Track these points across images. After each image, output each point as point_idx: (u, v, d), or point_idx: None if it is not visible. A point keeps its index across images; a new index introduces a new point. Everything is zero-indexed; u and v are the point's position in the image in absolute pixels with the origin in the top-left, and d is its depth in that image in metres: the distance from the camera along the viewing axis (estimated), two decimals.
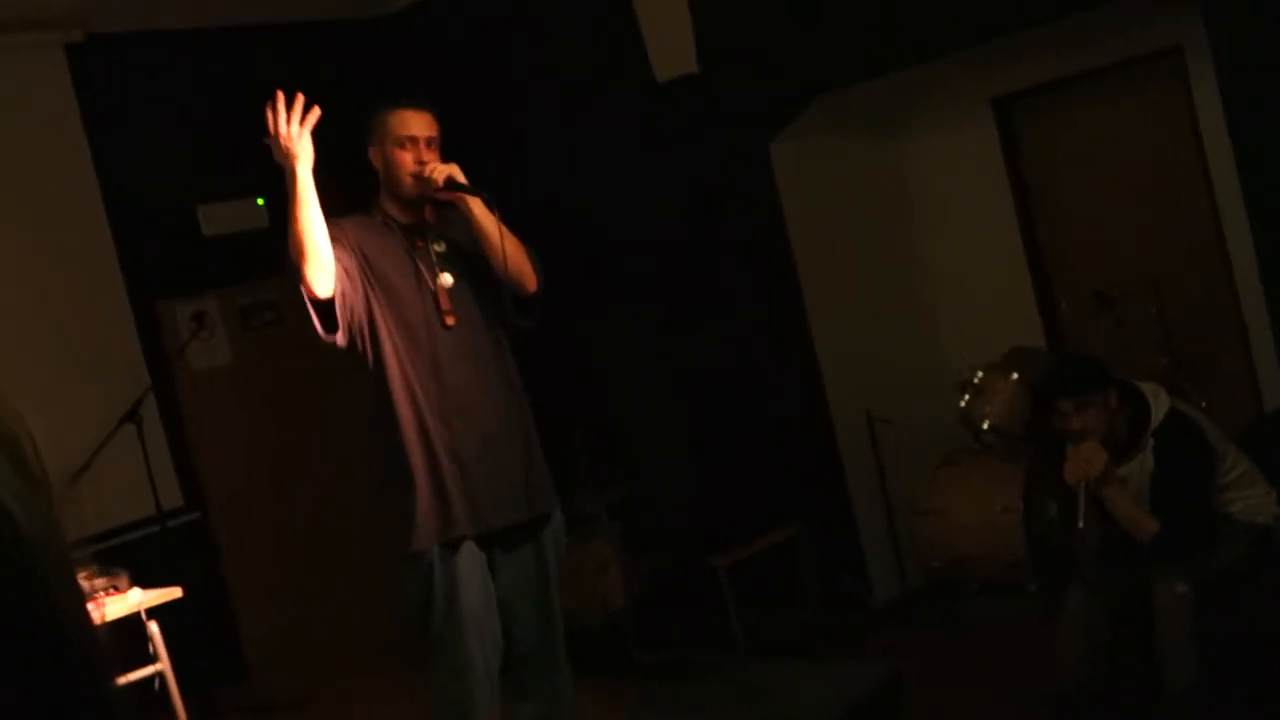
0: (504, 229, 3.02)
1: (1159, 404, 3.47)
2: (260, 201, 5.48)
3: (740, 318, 5.12)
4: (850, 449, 5.02)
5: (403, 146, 3.08)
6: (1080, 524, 3.41)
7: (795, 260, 4.95)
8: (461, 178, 3.03)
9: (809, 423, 5.00)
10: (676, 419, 5.41)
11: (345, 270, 2.92)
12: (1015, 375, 4.56)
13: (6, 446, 0.75)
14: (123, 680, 1.71)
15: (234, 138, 4.58)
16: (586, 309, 5.42)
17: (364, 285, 2.96)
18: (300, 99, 2.79)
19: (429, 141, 3.09)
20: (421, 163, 3.06)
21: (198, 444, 5.40)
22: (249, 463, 5.47)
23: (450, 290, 3.06)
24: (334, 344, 2.97)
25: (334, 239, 2.87)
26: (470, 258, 3.11)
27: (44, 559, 0.74)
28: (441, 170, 3.04)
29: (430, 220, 3.12)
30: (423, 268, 3.06)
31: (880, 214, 5.29)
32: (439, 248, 3.12)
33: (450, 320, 3.05)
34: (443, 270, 3.08)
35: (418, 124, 3.09)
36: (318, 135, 2.86)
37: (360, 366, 3.06)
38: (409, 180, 3.09)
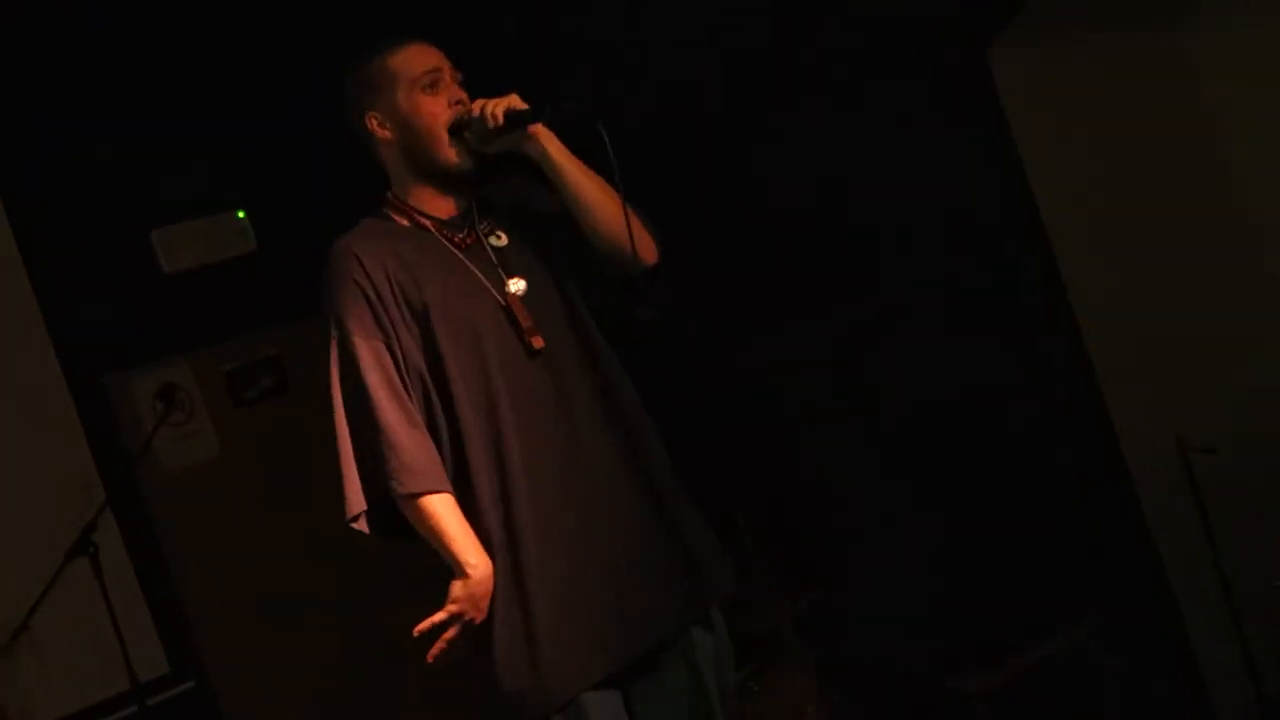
0: (593, 173, 3.07)
1: None
2: (241, 214, 5.47)
3: (969, 322, 4.94)
4: (1157, 497, 4.72)
5: (427, 89, 3.09)
6: None
7: (1044, 224, 4.72)
8: (523, 104, 3.05)
9: (1088, 462, 4.81)
10: (886, 480, 5.24)
11: (390, 335, 3.03)
12: None
13: None
14: None
15: (194, 127, 4.83)
16: (737, 326, 5.40)
17: (412, 325, 3.04)
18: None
19: (455, 79, 3.12)
20: (459, 102, 3.07)
21: (182, 580, 5.31)
22: (259, 601, 5.38)
23: (526, 298, 3.08)
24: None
25: (359, 286, 3.01)
26: (543, 242, 3.17)
27: None
28: (499, 103, 3.03)
29: (474, 202, 3.18)
30: (481, 275, 3.08)
31: (1165, 147, 4.94)
32: (498, 240, 3.15)
33: (537, 341, 3.04)
34: (510, 273, 3.09)
35: (431, 55, 3.12)
36: None
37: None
38: (454, 142, 3.08)
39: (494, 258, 3.11)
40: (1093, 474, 4.81)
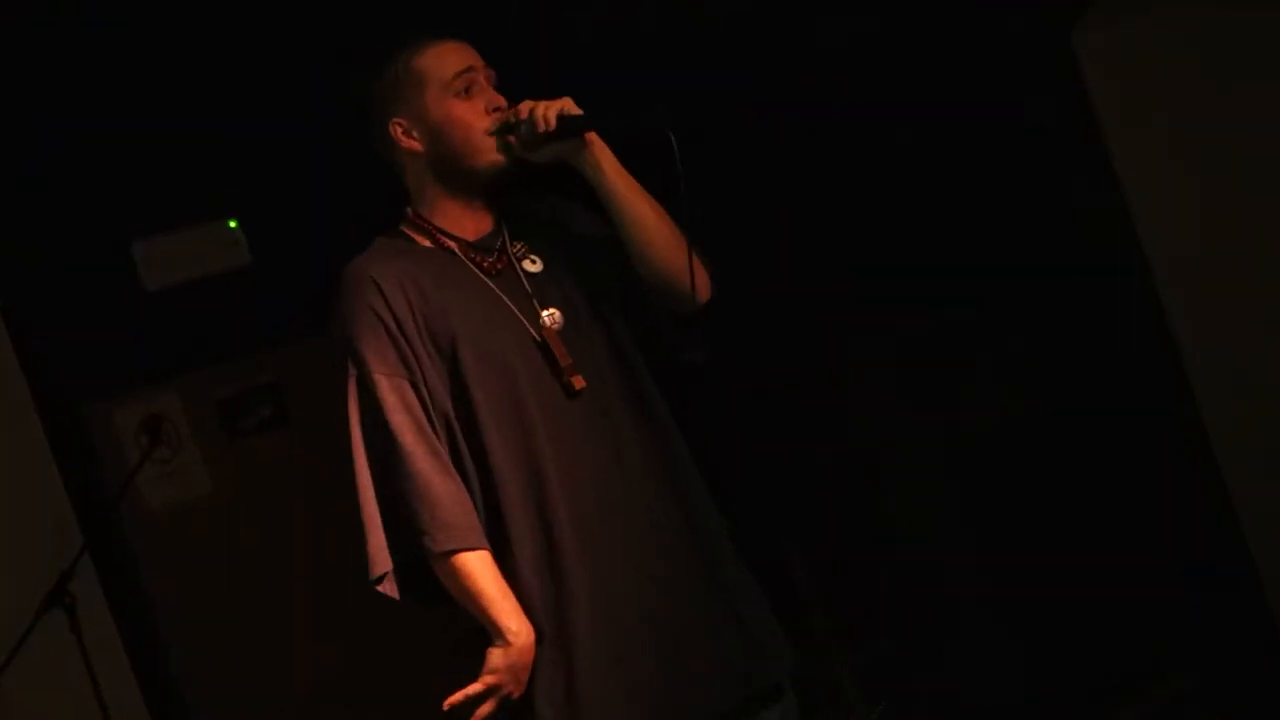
0: (647, 194, 3.06)
1: None
2: (233, 224, 5.47)
3: (1055, 336, 5.04)
4: (1267, 535, 4.73)
5: (460, 93, 3.04)
6: None
7: (1133, 219, 4.79)
8: (577, 109, 3.00)
9: (1190, 496, 4.85)
10: (962, 514, 5.27)
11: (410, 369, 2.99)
12: None
13: None
14: None
15: (180, 125, 4.85)
16: (796, 345, 5.44)
17: (437, 361, 2.99)
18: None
19: (490, 80, 3.09)
20: (500, 109, 3.03)
21: (169, 633, 5.30)
22: (254, 658, 5.34)
23: (564, 332, 3.04)
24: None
25: (378, 316, 2.96)
26: (583, 268, 3.13)
27: None
28: (551, 106, 2.97)
29: (505, 222, 3.15)
30: (513, 305, 3.04)
31: (1264, 130, 4.83)
32: (532, 264, 3.09)
33: (578, 381, 3.00)
34: (546, 303, 3.05)
35: (464, 54, 3.08)
36: None
37: None
38: (491, 144, 3.03)
39: (527, 286, 3.07)
40: (1195, 509, 4.77)
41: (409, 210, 3.10)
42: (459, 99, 3.02)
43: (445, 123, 3.03)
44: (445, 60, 3.05)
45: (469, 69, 3.04)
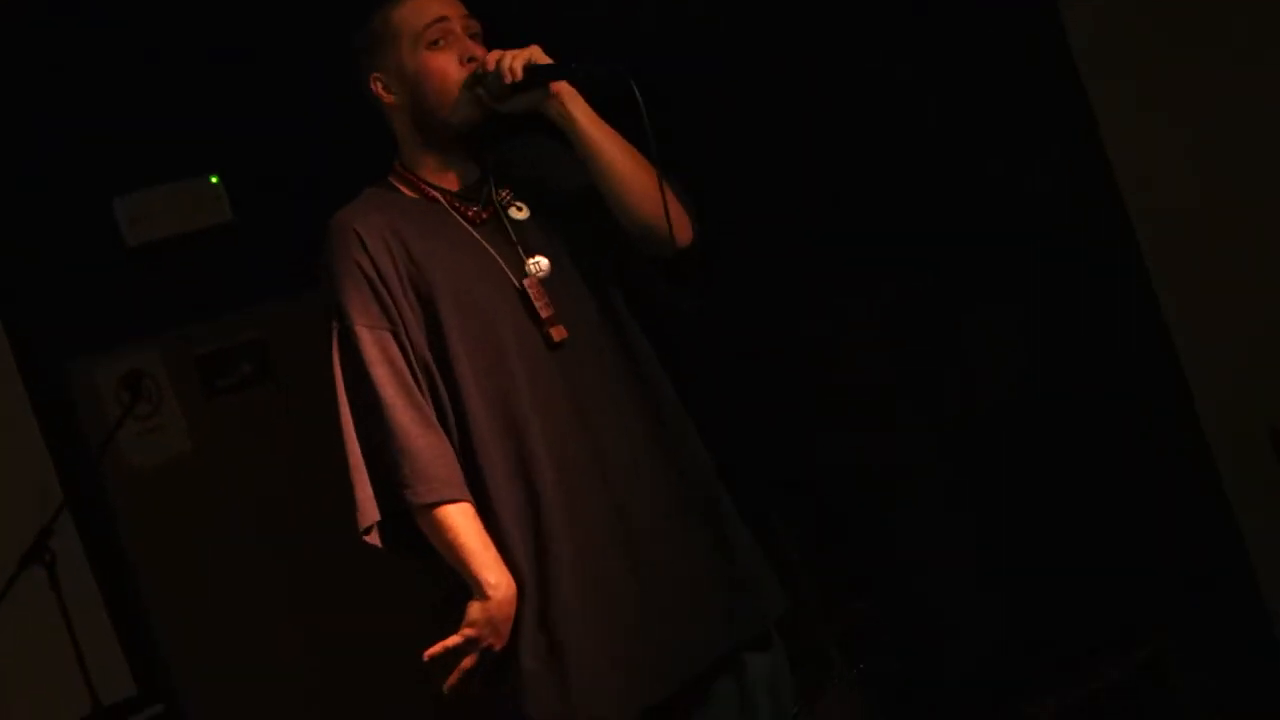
0: (622, 140, 3.04)
1: None
2: (215, 179, 5.44)
3: (1038, 303, 4.93)
4: (1247, 495, 4.66)
5: (437, 44, 3.04)
6: None
7: (1118, 181, 4.69)
8: (545, 58, 2.99)
9: (1171, 458, 4.77)
10: (944, 477, 5.23)
11: (394, 314, 3.00)
12: None
13: None
14: None
15: (161, 80, 4.86)
16: (780, 305, 5.35)
17: (419, 312, 3.01)
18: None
19: (468, 29, 3.08)
20: (473, 59, 3.02)
21: (149, 591, 5.28)
22: (236, 615, 5.36)
23: (549, 281, 3.05)
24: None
25: (360, 268, 2.98)
26: (570, 214, 3.14)
27: None
28: (518, 56, 2.97)
29: (490, 169, 3.16)
30: (498, 255, 3.04)
31: (1259, 105, 4.76)
32: (518, 212, 3.11)
33: (557, 332, 3.01)
34: (530, 250, 3.06)
35: (441, 3, 3.08)
36: None
37: None
38: (464, 96, 3.03)
39: (513, 234, 3.08)
40: (1176, 471, 4.77)
41: (396, 162, 3.10)
42: (432, 50, 3.02)
43: (419, 75, 3.03)
44: (419, 11, 3.04)
45: (441, 19, 3.03)
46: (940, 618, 5.26)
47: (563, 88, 2.98)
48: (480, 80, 2.97)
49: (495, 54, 2.98)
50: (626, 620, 2.97)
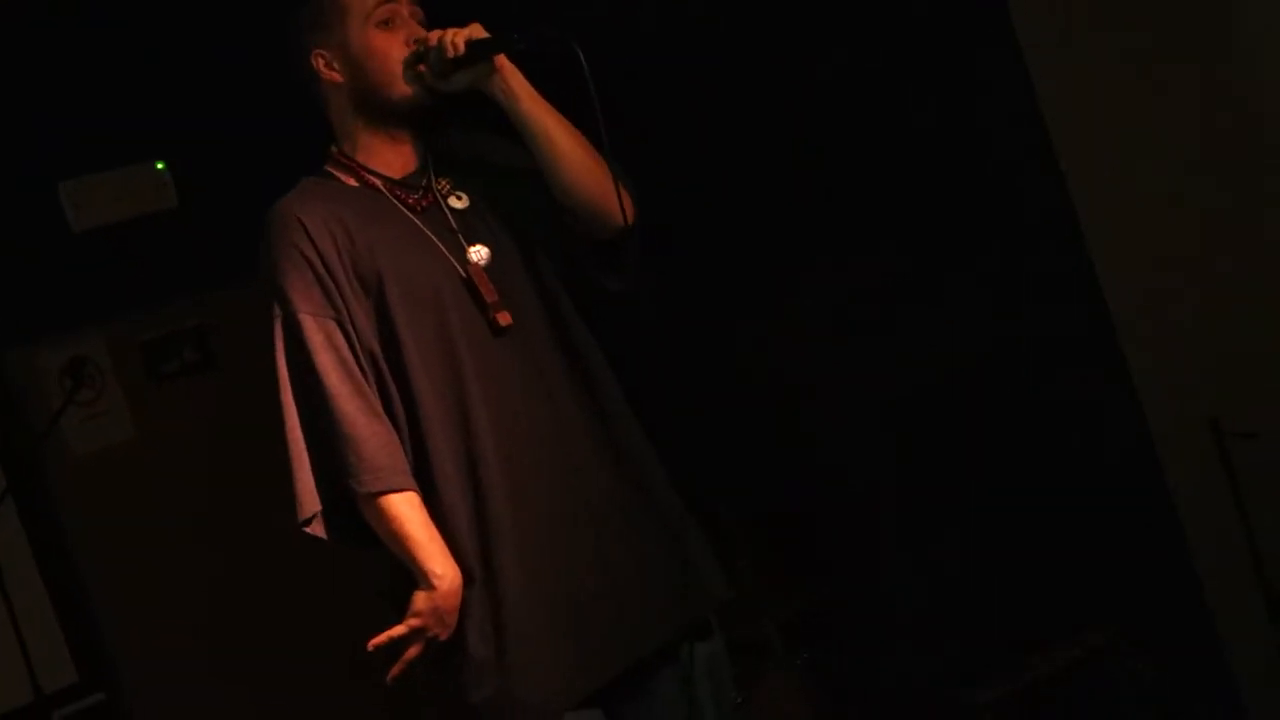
0: (562, 117, 3.05)
1: None
2: (161, 166, 5.39)
3: (980, 290, 4.90)
4: (1189, 486, 4.66)
5: (385, 24, 3.04)
6: None
7: (1064, 174, 4.67)
8: (486, 34, 2.99)
9: (1114, 448, 4.77)
10: (886, 468, 5.21)
11: (337, 301, 2.98)
12: None
13: None
14: None
15: (107, 64, 4.84)
16: (721, 293, 5.34)
17: (363, 300, 3.00)
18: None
19: (414, 15, 3.09)
20: (419, 41, 3.02)
21: (91, 577, 5.24)
22: (179, 602, 5.32)
23: (490, 268, 3.06)
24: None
25: (304, 256, 2.96)
26: (510, 202, 3.15)
27: None
28: (459, 32, 2.97)
29: (430, 157, 3.15)
30: (439, 242, 3.04)
31: (1210, 82, 4.80)
32: (458, 201, 3.12)
33: (503, 318, 3.02)
34: (472, 239, 3.07)
35: None
36: None
37: None
38: (408, 76, 3.03)
39: (453, 222, 3.07)
40: (1118, 461, 4.77)
41: (333, 149, 3.09)
42: (380, 29, 3.02)
43: (364, 54, 3.02)
44: None
45: (391, 0, 3.03)
46: (884, 606, 5.24)
47: (504, 63, 2.98)
48: (422, 57, 2.97)
49: (437, 32, 2.97)
50: (570, 607, 2.98)
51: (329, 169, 3.09)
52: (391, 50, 3.01)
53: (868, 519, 5.31)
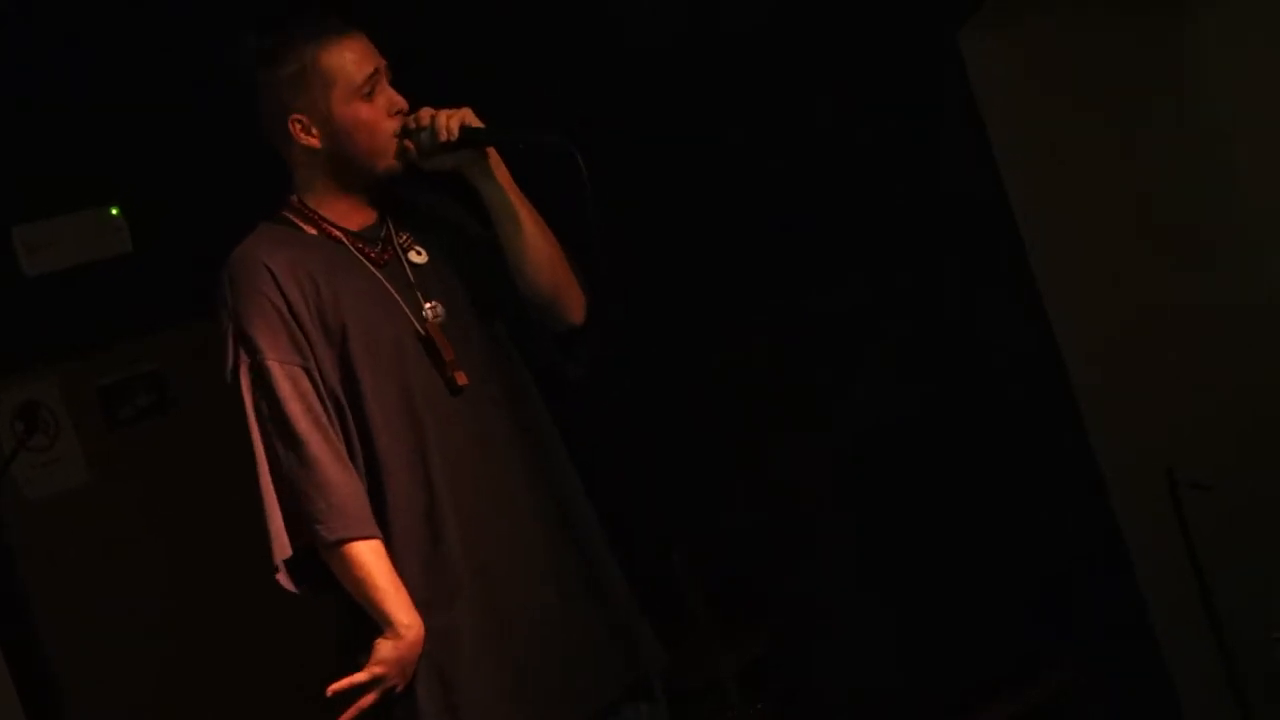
0: (534, 211, 3.10)
1: None
2: (115, 211, 5.37)
3: (936, 334, 4.96)
4: (1143, 535, 4.74)
5: (366, 96, 3.01)
6: None
7: (1019, 225, 4.73)
8: (478, 120, 3.01)
9: (1069, 496, 4.82)
10: (843, 511, 5.21)
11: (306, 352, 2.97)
12: None
13: None
14: None
15: (61, 108, 4.81)
16: (674, 332, 5.33)
17: (328, 350, 2.98)
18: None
19: (388, 75, 3.08)
20: (402, 111, 3.03)
21: (46, 628, 5.23)
22: (136, 653, 5.27)
23: (445, 326, 3.05)
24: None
25: (271, 303, 2.94)
26: (467, 262, 3.15)
27: None
28: (453, 115, 2.98)
29: (389, 213, 3.14)
30: (399, 298, 3.04)
31: (1157, 141, 4.95)
32: (417, 256, 3.12)
33: (460, 377, 3.01)
34: (429, 296, 3.07)
35: (370, 56, 3.05)
36: None
37: None
38: (395, 151, 3.03)
39: (411, 277, 3.06)
40: (1074, 509, 4.80)
41: (294, 198, 3.05)
42: (363, 101, 2.98)
43: (350, 125, 2.99)
44: (355, 62, 3.00)
45: (375, 72, 3.00)
46: (840, 652, 5.20)
47: (492, 152, 2.99)
48: (411, 134, 2.96)
49: (428, 111, 2.96)
50: (522, 665, 2.98)
51: (288, 215, 3.07)
52: (379, 124, 3.00)
53: (823, 565, 5.27)
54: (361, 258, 3.03)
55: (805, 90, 5.02)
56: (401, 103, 3.01)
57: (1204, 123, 5.04)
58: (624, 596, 3.15)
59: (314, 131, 2.99)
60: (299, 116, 2.98)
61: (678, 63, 5.23)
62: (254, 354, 2.89)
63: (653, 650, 3.17)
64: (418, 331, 3.00)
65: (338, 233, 3.03)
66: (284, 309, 2.92)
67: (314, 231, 3.03)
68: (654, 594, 3.68)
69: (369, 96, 2.98)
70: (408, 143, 2.97)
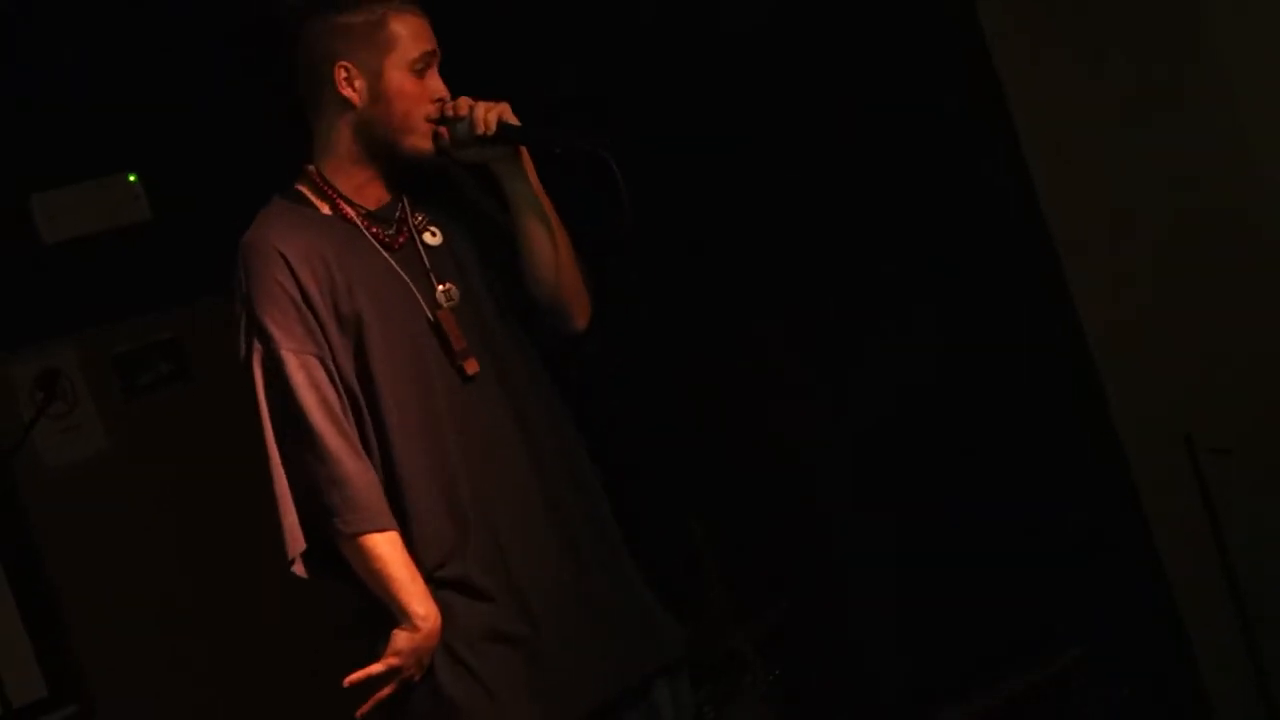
0: (554, 213, 3.08)
1: None
2: (133, 178, 5.35)
3: (955, 310, 4.95)
4: (1162, 503, 4.73)
5: (418, 72, 3.00)
6: None
7: (1034, 187, 4.76)
8: (514, 117, 2.99)
9: (1087, 465, 4.82)
10: (861, 482, 5.21)
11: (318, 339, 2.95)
12: None
13: None
14: None
15: (79, 75, 4.78)
16: (695, 313, 5.30)
17: (342, 338, 2.96)
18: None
19: (438, 68, 3.07)
20: (442, 100, 3.02)
21: (63, 592, 5.22)
22: (152, 617, 5.26)
23: (459, 309, 3.03)
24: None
25: (284, 290, 2.92)
26: (483, 242, 3.12)
27: None
28: (491, 109, 2.96)
29: (405, 192, 3.10)
30: (412, 284, 3.02)
31: (1174, 95, 4.82)
32: (432, 237, 3.08)
33: (470, 366, 2.99)
34: (442, 279, 3.04)
35: (430, 38, 3.04)
36: None
37: None
38: (425, 131, 3.01)
39: (426, 260, 3.04)
40: (1091, 478, 4.81)
41: (310, 168, 3.03)
42: (413, 76, 2.97)
43: (393, 92, 2.97)
44: (419, 37, 3.00)
45: (431, 53, 3.00)
46: (856, 624, 5.22)
47: (522, 152, 2.99)
48: (448, 122, 2.96)
49: (467, 101, 2.96)
50: (542, 650, 2.97)
51: (303, 189, 3.05)
52: (420, 101, 2.99)
53: (838, 538, 5.29)
54: (375, 242, 3.02)
55: (822, 76, 4.98)
56: (444, 91, 3.00)
57: (1221, 98, 4.92)
58: (642, 583, 3.15)
59: (356, 85, 2.96)
60: (347, 64, 2.95)
61: (689, 59, 5.20)
62: (267, 343, 2.88)
63: (671, 627, 3.15)
64: (429, 319, 3.00)
65: (350, 211, 3.02)
66: (298, 296, 2.92)
67: (328, 210, 3.01)
68: (673, 568, 3.71)
69: (419, 74, 2.98)
70: (441, 129, 2.97)
